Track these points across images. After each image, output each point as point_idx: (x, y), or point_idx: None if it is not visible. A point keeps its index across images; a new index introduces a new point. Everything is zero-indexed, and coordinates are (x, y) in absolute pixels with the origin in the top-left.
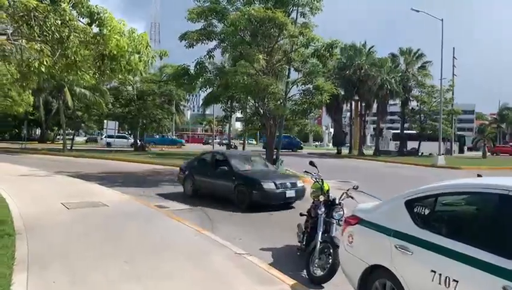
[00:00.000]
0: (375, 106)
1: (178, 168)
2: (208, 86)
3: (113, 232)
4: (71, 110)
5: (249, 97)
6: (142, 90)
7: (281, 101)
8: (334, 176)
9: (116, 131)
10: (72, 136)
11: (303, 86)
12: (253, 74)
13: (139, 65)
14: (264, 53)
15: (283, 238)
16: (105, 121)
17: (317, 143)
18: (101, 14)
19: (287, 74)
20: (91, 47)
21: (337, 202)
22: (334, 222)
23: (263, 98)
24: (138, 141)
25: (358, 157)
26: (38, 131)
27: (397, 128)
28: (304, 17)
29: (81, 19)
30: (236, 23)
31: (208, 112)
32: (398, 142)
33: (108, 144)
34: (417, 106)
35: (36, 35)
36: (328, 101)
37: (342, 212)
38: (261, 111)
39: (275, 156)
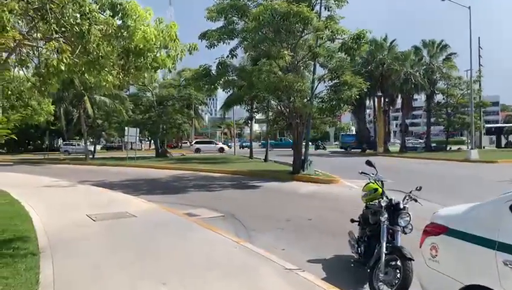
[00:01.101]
0: (398, 101)
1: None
2: (229, 87)
3: (145, 247)
4: (91, 118)
5: (273, 96)
6: (162, 96)
7: (308, 98)
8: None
9: (138, 138)
10: (93, 145)
11: (329, 82)
12: (278, 72)
13: (167, 61)
14: (288, 49)
15: (329, 247)
16: (126, 128)
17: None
18: (124, 4)
19: (312, 70)
20: (113, 43)
21: (401, 206)
22: (399, 229)
23: (289, 97)
24: (159, 147)
25: (384, 154)
26: (60, 141)
27: (419, 124)
28: (328, 10)
29: (102, 12)
30: (259, 17)
31: (226, 114)
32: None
33: (198, 150)
34: (443, 99)
35: (53, 31)
36: (357, 96)
37: (408, 219)
38: (287, 110)
39: (303, 157)
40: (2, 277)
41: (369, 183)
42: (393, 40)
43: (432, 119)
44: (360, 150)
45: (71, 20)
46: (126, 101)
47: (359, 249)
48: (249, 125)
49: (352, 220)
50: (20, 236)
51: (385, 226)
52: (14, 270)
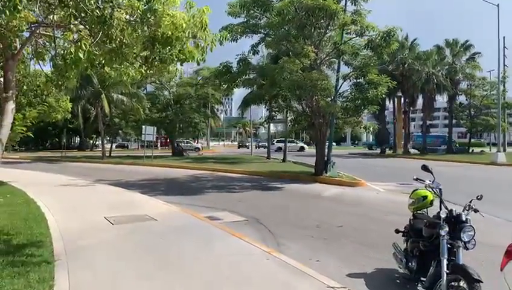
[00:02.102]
0: (419, 101)
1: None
2: (250, 86)
3: (168, 255)
4: (108, 117)
5: (295, 95)
6: (179, 94)
7: (332, 97)
8: (395, 179)
9: (155, 136)
10: (110, 144)
11: (354, 80)
12: (301, 70)
13: (195, 53)
14: (312, 46)
15: (367, 258)
16: (143, 126)
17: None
18: None
19: (336, 68)
20: (138, 30)
21: (463, 218)
22: (461, 245)
23: (312, 95)
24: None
25: (405, 156)
26: (77, 139)
27: (436, 126)
28: (355, 4)
29: None
30: (283, 12)
31: (238, 115)
32: None
33: (279, 149)
34: (466, 100)
35: (72, 16)
36: (383, 95)
37: (472, 233)
38: (309, 109)
39: (326, 158)
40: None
41: (416, 190)
42: (415, 40)
43: (454, 121)
44: (379, 152)
45: (92, 2)
46: (143, 100)
47: (409, 264)
48: (267, 125)
49: (398, 231)
50: (34, 241)
51: (445, 241)
52: (26, 282)
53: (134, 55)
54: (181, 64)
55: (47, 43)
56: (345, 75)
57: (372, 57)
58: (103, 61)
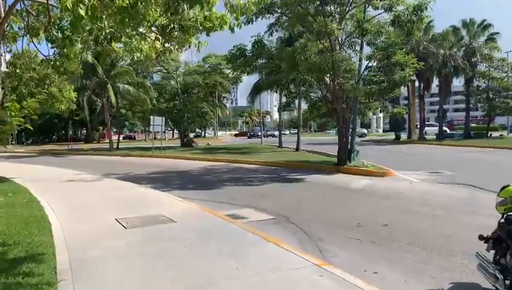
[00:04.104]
0: (433, 85)
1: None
2: (266, 70)
3: (194, 272)
4: (114, 108)
5: (315, 78)
6: (187, 83)
7: (356, 80)
8: (423, 167)
9: (163, 127)
10: (118, 135)
11: (378, 61)
12: (320, 51)
13: (226, 18)
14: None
15: (436, 269)
16: (151, 117)
17: (365, 130)
18: None
19: (359, 48)
20: None
21: None
22: None
23: (333, 79)
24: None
25: (420, 142)
26: (83, 131)
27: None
28: None
29: None
30: None
31: (244, 103)
32: None
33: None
34: (484, 82)
35: None
36: (411, 77)
37: None
38: (330, 94)
39: (349, 146)
40: None
41: (508, 186)
42: (431, 21)
43: (471, 105)
44: (393, 138)
45: None
46: (150, 90)
47: (506, 281)
48: (277, 113)
49: (482, 237)
50: (35, 253)
51: None
52: None
53: (150, 23)
54: (207, 34)
55: (41, 16)
56: (369, 55)
57: (400, 35)
58: (110, 29)
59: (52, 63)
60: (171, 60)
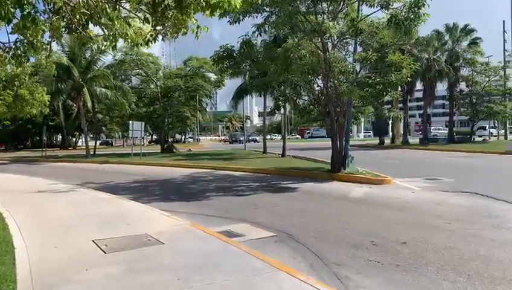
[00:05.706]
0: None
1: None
2: (257, 71)
3: None
4: (91, 112)
5: (307, 80)
6: (167, 87)
7: (351, 82)
8: (417, 173)
9: (143, 132)
10: (94, 141)
11: (373, 62)
12: (314, 51)
13: None
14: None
15: None
16: (130, 121)
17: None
18: None
19: (352, 49)
20: None
21: None
22: None
23: (327, 80)
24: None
25: (405, 147)
26: (59, 137)
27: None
28: None
29: None
30: None
31: (224, 108)
32: None
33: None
34: (467, 86)
35: None
36: (409, 78)
37: None
38: (323, 97)
39: (343, 152)
40: None
41: None
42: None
43: (454, 109)
44: (377, 143)
45: None
46: (129, 94)
47: None
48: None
49: None
50: None
51: None
52: None
53: None
54: (211, 14)
55: None
56: (365, 56)
57: (397, 35)
58: (85, 10)
59: (12, 52)
60: (151, 63)
